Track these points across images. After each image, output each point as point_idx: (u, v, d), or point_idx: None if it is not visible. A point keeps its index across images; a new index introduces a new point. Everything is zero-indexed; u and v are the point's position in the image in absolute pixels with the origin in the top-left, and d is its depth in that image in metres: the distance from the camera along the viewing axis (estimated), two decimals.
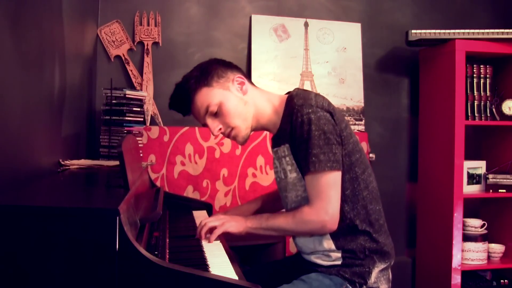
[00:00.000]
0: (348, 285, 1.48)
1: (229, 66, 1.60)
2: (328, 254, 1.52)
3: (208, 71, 1.56)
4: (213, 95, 1.54)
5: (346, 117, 2.73)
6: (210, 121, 1.57)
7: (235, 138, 1.59)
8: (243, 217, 1.56)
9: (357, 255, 1.50)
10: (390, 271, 1.57)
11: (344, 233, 1.50)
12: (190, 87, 1.56)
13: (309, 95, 1.51)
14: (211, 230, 1.53)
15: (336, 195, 1.45)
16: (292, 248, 2.53)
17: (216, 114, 1.55)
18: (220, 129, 1.57)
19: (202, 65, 1.60)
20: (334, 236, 1.51)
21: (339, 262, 1.51)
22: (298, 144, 1.46)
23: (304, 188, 1.51)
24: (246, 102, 1.57)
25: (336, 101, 2.82)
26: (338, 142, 1.46)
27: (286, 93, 1.63)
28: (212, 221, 1.54)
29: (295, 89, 1.60)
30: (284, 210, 1.65)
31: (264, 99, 1.60)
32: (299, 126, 1.45)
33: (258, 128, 1.63)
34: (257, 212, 1.82)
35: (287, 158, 1.53)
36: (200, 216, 1.94)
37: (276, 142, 1.59)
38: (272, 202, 1.85)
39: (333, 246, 1.51)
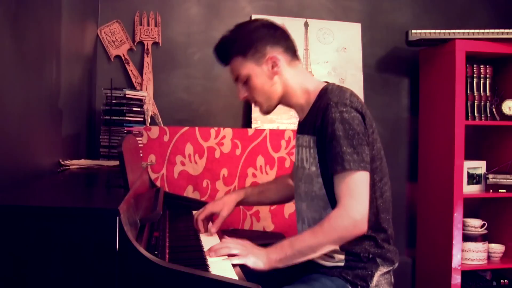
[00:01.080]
0: (349, 287, 1.47)
1: (274, 38, 1.57)
2: (332, 255, 1.51)
3: (250, 40, 1.54)
4: (245, 66, 1.55)
5: None
6: (239, 86, 1.60)
7: (258, 108, 1.62)
8: (263, 249, 1.42)
9: (361, 258, 1.49)
10: (392, 274, 1.56)
11: None
12: (228, 49, 1.57)
13: (345, 94, 1.48)
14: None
15: (366, 196, 1.41)
16: None
17: (245, 83, 1.57)
18: (246, 96, 1.60)
19: (250, 30, 1.57)
20: None
21: (341, 264, 1.50)
22: (329, 141, 1.43)
23: (321, 185, 1.49)
24: (275, 83, 1.56)
25: None
26: (368, 144, 1.44)
27: (324, 82, 1.62)
28: (236, 248, 1.40)
29: (332, 83, 1.58)
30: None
31: (297, 81, 1.57)
32: (331, 124, 1.42)
33: (284, 105, 1.63)
34: (238, 204, 1.77)
35: (311, 151, 1.51)
36: None
37: (301, 129, 1.59)
38: (256, 195, 1.81)
39: (337, 247, 1.50)
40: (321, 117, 1.46)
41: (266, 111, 1.62)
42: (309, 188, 1.54)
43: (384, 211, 1.52)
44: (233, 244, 1.41)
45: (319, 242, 1.40)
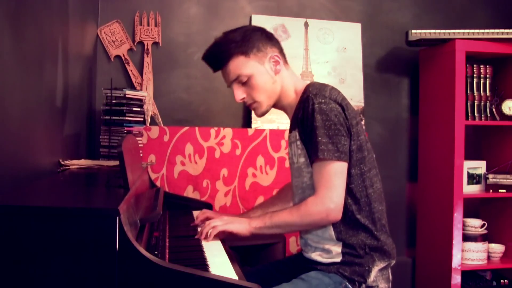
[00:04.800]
0: (347, 283, 1.48)
1: (271, 40, 1.61)
2: (329, 249, 1.52)
3: (251, 40, 1.56)
4: (247, 66, 1.56)
5: None
6: (236, 88, 1.60)
7: (255, 110, 1.64)
8: (245, 218, 1.59)
9: (357, 251, 1.50)
10: (390, 271, 1.57)
11: (345, 224, 1.51)
12: (228, 50, 1.56)
13: (325, 88, 1.53)
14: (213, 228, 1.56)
15: (342, 185, 1.47)
16: (292, 248, 2.53)
17: (244, 84, 1.58)
18: (244, 98, 1.61)
19: (247, 31, 1.59)
20: (336, 226, 1.51)
21: (338, 260, 1.51)
22: (308, 132, 1.49)
23: (310, 175, 1.53)
24: (275, 81, 1.60)
25: None
26: (347, 135, 1.49)
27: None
28: (215, 221, 1.57)
29: (314, 81, 1.64)
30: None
31: (291, 82, 1.62)
32: (311, 114, 1.47)
33: (277, 107, 1.67)
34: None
35: (297, 143, 1.55)
36: None
37: (290, 127, 1.63)
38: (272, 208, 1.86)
39: (333, 236, 1.51)
40: (301, 108, 1.52)
41: (264, 112, 1.64)
42: (299, 181, 1.59)
43: (376, 200, 1.55)
44: (215, 220, 1.58)
45: (294, 221, 1.51)
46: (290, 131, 1.62)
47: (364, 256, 1.50)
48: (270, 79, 1.58)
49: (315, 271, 1.53)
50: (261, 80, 1.57)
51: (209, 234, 1.54)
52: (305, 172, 1.55)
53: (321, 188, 1.47)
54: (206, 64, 1.63)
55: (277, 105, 1.65)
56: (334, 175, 1.46)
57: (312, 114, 1.47)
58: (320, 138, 1.45)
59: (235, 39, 1.56)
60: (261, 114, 1.65)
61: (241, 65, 1.56)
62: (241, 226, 1.54)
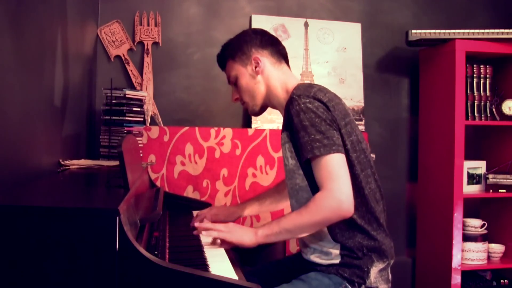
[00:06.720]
0: (347, 284, 1.48)
1: (260, 42, 1.67)
2: (327, 251, 1.51)
3: (239, 44, 1.68)
4: (233, 68, 1.68)
5: None
6: (232, 88, 1.74)
7: (247, 109, 1.74)
8: (250, 228, 1.54)
9: (355, 253, 1.49)
10: (389, 271, 1.57)
11: (340, 225, 1.49)
12: (224, 54, 1.72)
13: (311, 89, 1.52)
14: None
15: (346, 175, 1.43)
16: (292, 248, 2.53)
17: (235, 85, 1.70)
18: (237, 98, 1.73)
19: (241, 35, 1.71)
20: (331, 228, 1.50)
21: (337, 261, 1.50)
22: (297, 131, 1.47)
23: (302, 176, 1.52)
24: (258, 82, 1.66)
25: None
26: (337, 130, 1.47)
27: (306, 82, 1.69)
28: (224, 233, 1.51)
29: (306, 82, 1.66)
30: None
31: (279, 81, 1.66)
32: (296, 115, 1.47)
33: (270, 106, 1.72)
34: (239, 217, 1.90)
35: (287, 145, 1.55)
36: None
37: (282, 127, 1.63)
38: (256, 208, 1.93)
39: (330, 238, 1.50)
40: (287, 111, 1.53)
41: (252, 111, 1.72)
42: (292, 182, 1.57)
43: (373, 200, 1.54)
44: (221, 228, 1.53)
45: (304, 221, 1.45)
46: (282, 131, 1.61)
47: (363, 258, 1.49)
48: (252, 80, 1.66)
49: (315, 272, 1.53)
50: (243, 82, 1.67)
51: (220, 246, 1.52)
52: (296, 174, 1.54)
53: (327, 181, 1.41)
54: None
55: (269, 104, 1.70)
56: (337, 167, 1.42)
57: (298, 115, 1.46)
58: (313, 136, 1.43)
59: (229, 43, 1.71)
60: (252, 113, 1.74)
61: (230, 68, 1.70)
62: (244, 236, 1.49)
